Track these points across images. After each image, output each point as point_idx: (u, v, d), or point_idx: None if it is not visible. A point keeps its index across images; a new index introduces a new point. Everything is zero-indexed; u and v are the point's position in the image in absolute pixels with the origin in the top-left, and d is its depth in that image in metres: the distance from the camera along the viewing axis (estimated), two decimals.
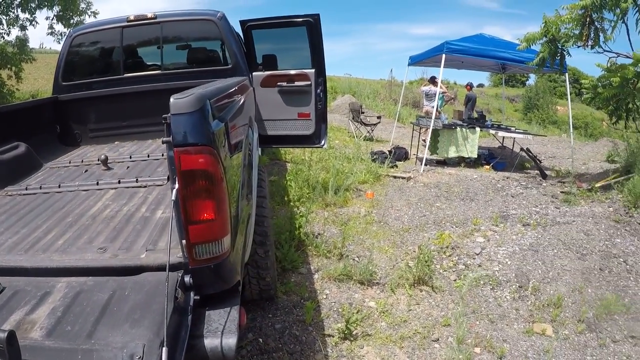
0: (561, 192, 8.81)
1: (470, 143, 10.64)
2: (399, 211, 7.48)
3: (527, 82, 52.71)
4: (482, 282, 5.39)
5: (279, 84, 5.82)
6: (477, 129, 10.62)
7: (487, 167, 11.00)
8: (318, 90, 5.98)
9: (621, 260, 6.00)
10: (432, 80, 14.71)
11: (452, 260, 5.84)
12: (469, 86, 16.25)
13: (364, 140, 14.03)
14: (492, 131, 11.07)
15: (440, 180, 9.20)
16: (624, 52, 8.32)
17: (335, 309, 4.74)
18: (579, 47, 8.24)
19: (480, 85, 53.17)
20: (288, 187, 7.70)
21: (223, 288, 2.34)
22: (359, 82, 30.39)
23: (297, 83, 5.83)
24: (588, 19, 7.78)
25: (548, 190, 8.91)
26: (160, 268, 2.24)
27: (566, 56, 8.76)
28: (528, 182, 9.48)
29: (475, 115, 13.49)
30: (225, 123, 2.55)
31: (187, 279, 2.18)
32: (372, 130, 14.26)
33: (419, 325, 4.58)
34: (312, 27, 5.79)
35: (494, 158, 11.62)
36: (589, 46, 8.08)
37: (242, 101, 3.68)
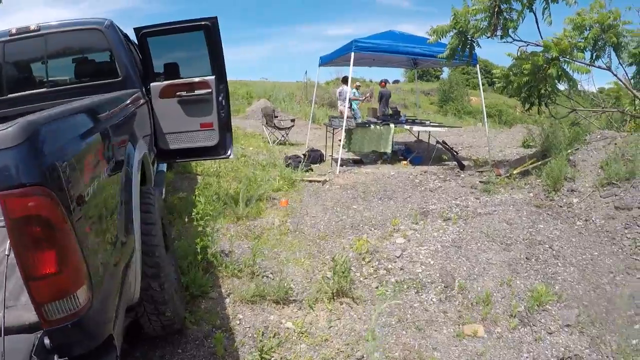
0: (480, 182, 8.68)
1: (385, 139, 10.37)
2: (315, 217, 7.00)
3: (441, 76, 54.36)
4: (405, 287, 4.99)
5: (178, 93, 5.55)
6: (392, 125, 10.38)
7: (405, 162, 10.78)
8: (220, 98, 5.77)
9: (547, 246, 5.87)
10: (344, 81, 14.43)
11: (372, 266, 5.40)
12: (383, 83, 16.09)
13: (279, 144, 13.52)
14: (406, 126, 10.88)
15: (357, 181, 8.82)
16: (533, 40, 8.30)
17: (250, 335, 4.17)
18: (488, 37, 8.13)
19: (396, 82, 54.02)
20: (197, 202, 7.03)
21: (92, 346, 2.04)
22: (275, 86, 29.92)
23: (197, 92, 5.60)
24: (496, 9, 7.66)
25: (467, 181, 8.74)
26: (21, 329, 1.95)
27: (476, 47, 8.65)
28: (446, 174, 9.30)
29: (389, 111, 13.33)
30: (79, 149, 2.24)
31: (46, 340, 1.88)
32: (287, 134, 13.78)
33: (341, 343, 4.12)
34: (210, 31, 5.57)
35: (411, 153, 11.44)
36: (499, 36, 7.99)
37: (119, 118, 3.38)
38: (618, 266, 5.22)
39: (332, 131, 10.74)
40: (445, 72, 46.04)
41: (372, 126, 10.14)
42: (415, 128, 10.66)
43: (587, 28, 8.02)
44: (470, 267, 5.33)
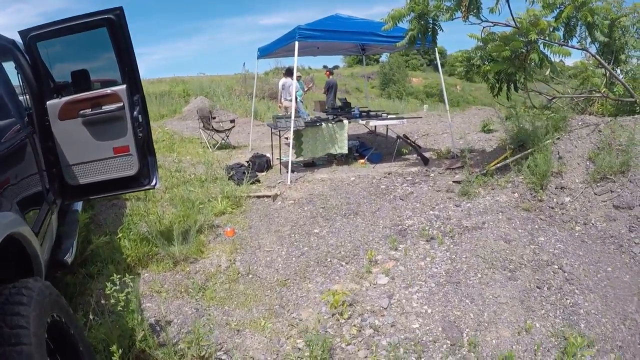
0: (454, 182, 7.57)
1: (339, 139, 9.07)
2: (270, 252, 5.57)
3: (380, 59, 53.73)
4: (402, 352, 3.71)
5: (82, 112, 4.45)
6: (345, 121, 9.07)
7: (362, 161, 9.53)
8: (135, 113, 4.69)
9: (555, 267, 4.89)
10: (289, 73, 12.99)
11: (355, 325, 4.06)
12: (329, 72, 14.70)
13: (219, 149, 11.98)
14: (362, 121, 9.55)
15: (313, 192, 7.46)
16: (501, 21, 7.18)
17: None
18: (454, 19, 6.92)
19: (336, 67, 53.08)
20: (122, 247, 5.51)
21: None
22: (212, 81, 28.01)
23: (105, 107, 4.51)
24: None
25: (439, 182, 7.59)
26: None
27: (438, 31, 7.45)
28: (414, 175, 8.10)
29: (338, 103, 12.02)
30: None
31: None
32: (227, 136, 12.24)
33: None
34: (114, 26, 4.43)
35: (367, 149, 10.21)
36: (467, 17, 6.81)
37: None
38: (638, 283, 4.45)
39: (278, 132, 9.31)
40: (385, 55, 45.33)
41: (324, 124, 8.80)
42: (373, 123, 9.34)
43: (558, 6, 7.08)
44: (477, 312, 4.12)
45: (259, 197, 7.35)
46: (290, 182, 7.96)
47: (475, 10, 6.72)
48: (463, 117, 15.11)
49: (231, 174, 8.26)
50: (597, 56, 7.51)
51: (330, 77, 14.45)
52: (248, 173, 8.04)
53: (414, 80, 52.17)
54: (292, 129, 8.13)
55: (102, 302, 4.35)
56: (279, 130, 8.80)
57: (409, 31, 7.31)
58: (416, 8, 6.98)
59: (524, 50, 6.76)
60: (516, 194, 6.87)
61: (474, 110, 16.40)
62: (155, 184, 5.03)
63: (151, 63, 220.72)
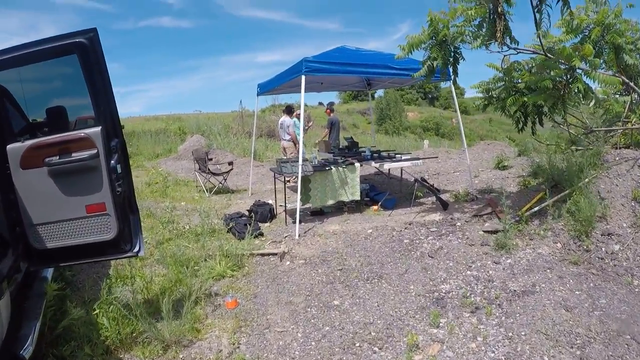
0: (485, 232, 6.59)
1: (350, 184, 8.11)
2: (283, 333, 4.48)
3: (375, 94, 53.43)
4: None
5: (47, 159, 3.60)
6: (357, 164, 8.13)
7: (375, 207, 8.54)
8: (113, 162, 3.74)
9: (627, 337, 4.00)
10: (288, 110, 12.12)
11: None
12: (329, 110, 13.76)
13: (216, 194, 10.98)
14: (374, 164, 8.57)
15: (326, 248, 6.44)
16: (528, 47, 6.35)
17: None
18: (486, 46, 6.02)
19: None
20: (99, 325, 4.45)
21: None
22: (209, 118, 27.29)
23: (75, 154, 3.64)
24: (499, 10, 5.62)
25: (469, 233, 6.59)
26: None
27: (460, 60, 6.58)
28: (438, 225, 7.09)
29: (344, 143, 11.10)
30: None
31: None
32: (225, 180, 11.27)
33: None
34: (87, 53, 3.55)
35: (379, 193, 9.24)
36: (503, 42, 5.95)
37: None
38: None
39: (282, 178, 8.31)
40: (380, 90, 44.96)
41: (333, 168, 7.85)
42: (387, 165, 8.37)
43: (582, 30, 6.31)
44: None
45: (263, 255, 6.32)
46: (299, 235, 6.94)
47: (509, 37, 5.85)
48: (472, 152, 14.21)
49: (230, 225, 7.25)
50: (631, 83, 6.67)
51: (332, 114, 13.51)
52: (250, 225, 7.04)
53: (409, 114, 51.77)
54: (300, 175, 7.16)
55: None
56: (284, 177, 7.79)
57: (429, 60, 6.45)
58: (437, 34, 6.12)
59: (563, 79, 5.91)
60: (559, 244, 5.94)
61: (482, 145, 15.51)
62: (139, 250, 4.05)
63: (149, 100, 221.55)
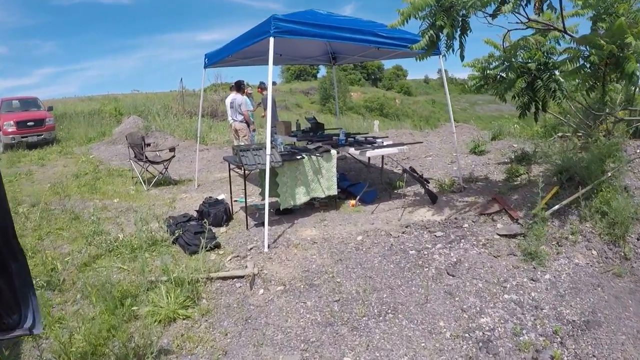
0: (500, 235, 5.18)
1: (326, 176, 6.47)
2: None
3: (318, 74, 51.72)
4: None
5: None
6: (334, 152, 6.48)
7: (352, 202, 6.96)
8: None
9: None
10: (238, 87, 10.24)
11: None
12: (261, 89, 11.88)
13: (156, 186, 9.05)
14: (353, 151, 6.89)
15: (309, 266, 4.77)
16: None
17: None
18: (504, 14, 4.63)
19: (274, 83, 50.54)
20: None
21: None
22: (148, 98, 24.62)
23: None
24: None
25: (482, 237, 5.18)
26: None
27: (468, 32, 5.09)
28: (442, 228, 5.58)
29: (306, 124, 9.38)
30: None
31: None
32: (166, 169, 9.33)
33: None
34: None
35: (354, 184, 7.66)
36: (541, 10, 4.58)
37: None
38: None
39: (240, 167, 6.44)
40: (323, 70, 43.35)
41: (305, 157, 6.17)
42: (370, 153, 6.74)
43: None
44: None
45: (225, 278, 4.59)
46: (268, 246, 5.23)
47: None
48: (440, 135, 12.87)
49: (177, 234, 5.43)
50: None
51: (265, 92, 11.63)
52: (202, 234, 5.28)
53: (353, 95, 50.41)
54: (267, 167, 5.39)
55: None
56: (245, 170, 5.93)
57: (431, 29, 4.94)
58: None
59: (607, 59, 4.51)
60: (594, 252, 4.72)
61: (447, 128, 14.18)
62: (34, 324, 2.31)
63: (86, 80, 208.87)
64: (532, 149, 8.84)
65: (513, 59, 5.85)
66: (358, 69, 56.53)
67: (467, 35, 5.17)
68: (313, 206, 6.78)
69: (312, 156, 6.27)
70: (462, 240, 5.13)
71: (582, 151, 6.91)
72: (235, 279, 4.54)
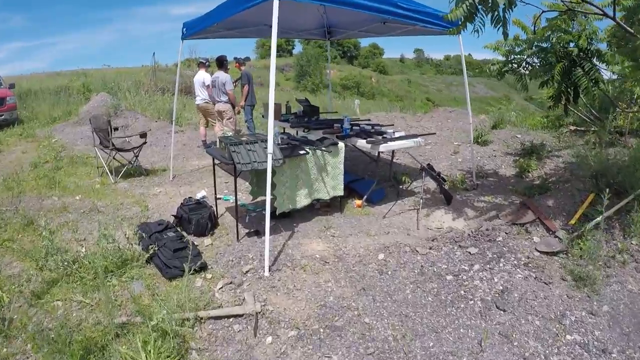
0: (540, 252, 4.24)
1: (332, 174, 5.38)
2: None
3: (293, 51, 49.93)
4: None
5: None
6: (341, 145, 5.38)
7: (358, 202, 5.92)
8: None
9: None
10: (221, 63, 8.96)
11: None
12: (239, 63, 10.66)
13: (125, 177, 7.80)
14: (361, 143, 5.78)
15: (325, 298, 3.70)
16: None
17: None
18: None
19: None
20: None
21: None
22: (119, 73, 22.73)
23: None
24: None
25: (521, 254, 4.30)
26: None
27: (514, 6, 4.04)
28: (473, 241, 4.62)
29: (298, 107, 8.20)
30: None
31: None
32: (137, 156, 8.06)
33: None
34: None
35: (356, 180, 6.61)
36: None
37: None
38: None
39: (228, 165, 5.20)
40: (298, 47, 41.69)
41: (310, 152, 5.07)
42: (384, 147, 5.61)
43: None
44: None
45: (219, 317, 3.48)
46: (269, 270, 4.12)
47: None
48: (434, 121, 11.84)
49: (152, 251, 4.28)
50: None
51: (243, 68, 10.44)
52: (183, 250, 4.17)
53: (330, 72, 49.09)
54: (269, 163, 4.21)
55: None
56: (237, 169, 4.69)
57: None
58: None
59: None
60: None
61: (441, 112, 13.17)
62: None
63: (55, 54, 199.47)
64: (539, 141, 8.03)
65: (552, 41, 4.96)
66: (334, 46, 55.02)
67: (513, 10, 4.11)
68: (312, 207, 5.69)
69: (317, 151, 5.15)
70: (501, 260, 4.16)
71: (599, 147, 6.19)
72: (232, 319, 3.44)
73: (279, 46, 56.77)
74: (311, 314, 3.48)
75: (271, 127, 4.15)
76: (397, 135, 6.04)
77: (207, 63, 9.91)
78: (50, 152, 9.92)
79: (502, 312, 3.47)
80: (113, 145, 7.65)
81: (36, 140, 11.88)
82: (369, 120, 8.36)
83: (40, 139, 11.96)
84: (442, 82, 67.78)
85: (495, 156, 8.18)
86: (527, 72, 5.55)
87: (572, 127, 8.79)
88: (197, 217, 5.06)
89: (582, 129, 8.59)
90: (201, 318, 3.40)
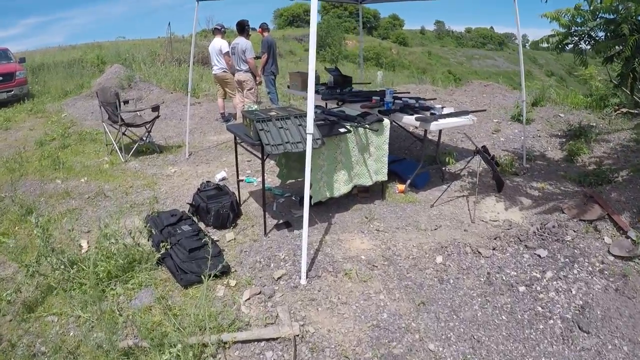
0: (614, 255, 3.51)
1: (375, 155, 4.59)
2: None
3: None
4: None
5: None
6: (386, 122, 4.56)
7: (401, 187, 5.14)
8: None
9: None
10: (241, 29, 8.09)
11: None
12: (262, 29, 9.72)
13: (136, 155, 7.09)
14: (408, 119, 4.96)
15: (377, 317, 2.95)
16: None
17: None
18: None
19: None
20: None
21: None
22: (134, 45, 21.95)
23: None
24: None
25: (596, 260, 3.55)
26: None
27: None
28: (540, 241, 3.84)
29: (328, 77, 7.36)
30: None
31: None
32: (149, 133, 7.34)
33: None
34: None
35: (398, 160, 5.81)
36: None
37: None
38: None
39: (254, 147, 4.34)
40: (318, 16, 40.47)
41: (353, 130, 4.27)
42: (434, 126, 4.71)
43: None
44: None
45: (248, 342, 2.77)
46: (306, 277, 3.38)
47: None
48: (467, 95, 10.88)
49: (163, 249, 3.55)
50: None
51: (266, 34, 9.53)
52: (201, 250, 3.46)
53: (348, 43, 47.54)
54: (309, 149, 3.43)
55: None
56: (265, 154, 3.89)
57: None
58: None
59: None
60: None
61: (476, 86, 12.16)
62: None
63: (72, 28, 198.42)
64: (585, 122, 7.19)
65: (621, 12, 4.24)
66: (353, 16, 53.40)
67: None
68: (349, 192, 4.90)
69: (360, 129, 4.36)
70: (575, 265, 3.40)
71: None
72: (264, 343, 2.73)
73: (297, 16, 55.13)
74: (362, 338, 2.75)
75: (311, 100, 3.33)
76: (445, 111, 5.21)
77: (223, 29, 9.06)
78: (58, 128, 9.26)
79: (585, 334, 2.74)
80: (122, 120, 6.92)
81: (45, 115, 11.21)
82: (408, 92, 7.48)
83: (49, 114, 11.29)
84: (462, 54, 65.79)
85: (540, 137, 7.35)
86: (589, 46, 4.76)
87: (624, 110, 7.84)
88: (217, 207, 4.32)
89: (635, 111, 7.67)
90: (225, 342, 2.69)
